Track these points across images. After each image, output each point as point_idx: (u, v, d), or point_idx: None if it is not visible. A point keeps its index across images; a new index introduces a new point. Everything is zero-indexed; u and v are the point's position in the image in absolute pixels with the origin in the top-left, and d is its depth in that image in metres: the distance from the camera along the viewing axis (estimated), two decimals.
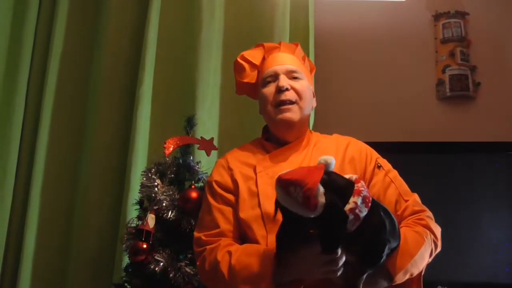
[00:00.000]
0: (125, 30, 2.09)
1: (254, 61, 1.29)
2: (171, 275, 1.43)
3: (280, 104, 1.21)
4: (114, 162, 1.99)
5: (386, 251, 0.97)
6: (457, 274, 1.80)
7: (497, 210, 1.87)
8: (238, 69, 1.32)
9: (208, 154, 1.67)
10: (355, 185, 0.95)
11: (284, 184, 0.91)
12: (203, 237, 1.16)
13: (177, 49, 2.08)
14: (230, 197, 1.19)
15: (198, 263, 1.15)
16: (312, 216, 0.89)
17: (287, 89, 1.21)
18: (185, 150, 1.65)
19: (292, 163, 1.19)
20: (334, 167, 0.96)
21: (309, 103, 1.26)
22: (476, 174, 1.91)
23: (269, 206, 1.11)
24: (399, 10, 2.23)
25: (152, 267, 1.44)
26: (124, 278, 1.58)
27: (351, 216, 0.91)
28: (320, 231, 0.92)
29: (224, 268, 1.06)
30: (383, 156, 1.27)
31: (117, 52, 2.07)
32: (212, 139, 1.68)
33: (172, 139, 1.61)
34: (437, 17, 2.24)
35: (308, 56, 2.04)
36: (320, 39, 2.18)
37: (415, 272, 1.05)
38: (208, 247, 1.13)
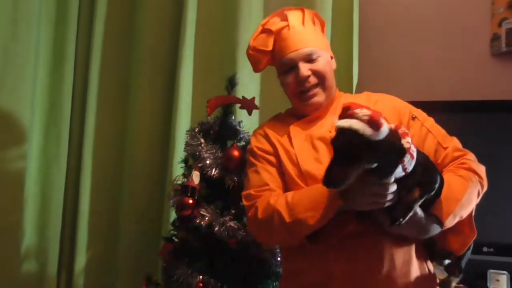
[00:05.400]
0: None
1: (266, 49, 1.27)
2: (215, 229, 1.48)
3: (304, 91, 1.22)
4: (159, 123, 2.05)
5: (439, 181, 0.99)
6: (503, 235, 1.74)
7: None
8: (253, 60, 1.32)
9: (249, 113, 1.67)
10: (398, 130, 0.97)
11: (351, 106, 0.94)
12: (252, 192, 1.19)
13: (217, 10, 2.07)
14: (272, 159, 1.22)
15: (249, 215, 1.17)
16: (374, 138, 0.90)
17: (308, 77, 1.21)
18: (227, 109, 1.66)
19: (323, 125, 1.22)
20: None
21: (331, 76, 1.25)
22: None
23: (306, 164, 1.16)
24: None
25: (198, 221, 1.50)
26: (171, 232, 1.67)
27: (407, 157, 0.93)
28: (378, 160, 0.93)
29: (281, 207, 1.09)
30: (434, 116, 1.23)
31: (158, 15, 2.10)
32: (253, 98, 1.68)
33: (214, 99, 1.63)
34: None
35: (352, 11, 1.99)
36: None
37: (464, 214, 1.07)
38: (258, 199, 1.16)
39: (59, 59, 2.15)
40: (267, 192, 1.16)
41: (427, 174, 0.99)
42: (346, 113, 0.94)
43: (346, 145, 0.92)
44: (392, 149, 0.92)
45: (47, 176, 2.11)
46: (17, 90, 2.01)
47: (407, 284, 1.08)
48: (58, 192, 2.11)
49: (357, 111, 0.92)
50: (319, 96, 1.22)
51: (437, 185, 1.00)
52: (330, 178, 0.93)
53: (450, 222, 1.05)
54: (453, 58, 2.07)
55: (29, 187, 2.05)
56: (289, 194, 1.12)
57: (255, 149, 1.26)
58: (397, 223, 0.99)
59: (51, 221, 2.09)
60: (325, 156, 1.15)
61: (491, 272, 1.69)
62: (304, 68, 1.20)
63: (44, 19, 2.11)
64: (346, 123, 0.92)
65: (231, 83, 1.68)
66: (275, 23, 1.26)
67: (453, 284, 1.12)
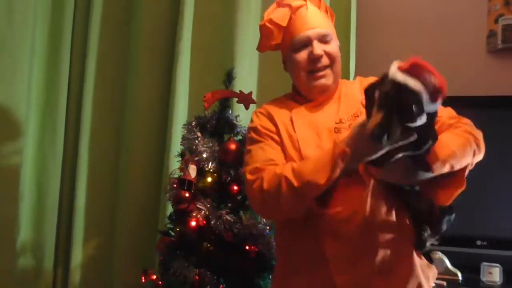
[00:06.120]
0: None
1: (281, 24, 1.26)
2: (212, 222, 1.49)
3: (314, 71, 1.21)
4: (156, 117, 2.05)
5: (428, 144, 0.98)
6: (496, 229, 1.76)
7: None
8: (266, 33, 1.29)
9: (246, 107, 1.68)
10: None
11: (422, 66, 0.90)
12: (258, 165, 1.15)
13: (215, 4, 2.07)
14: (277, 137, 1.21)
15: (254, 187, 1.12)
16: (427, 110, 0.89)
17: (321, 57, 1.20)
18: (224, 103, 1.67)
19: (327, 112, 1.21)
20: None
21: (340, 62, 1.25)
22: None
23: (308, 150, 1.14)
24: None
25: (194, 214, 1.51)
26: (168, 226, 1.67)
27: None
28: (427, 127, 0.92)
29: (288, 173, 1.07)
30: None
31: (156, 8, 2.09)
32: (250, 92, 1.69)
33: (212, 93, 1.63)
34: None
35: (350, 8, 2.00)
36: None
37: (456, 165, 1.04)
38: (264, 172, 1.13)
39: (55, 52, 2.14)
40: (273, 166, 1.14)
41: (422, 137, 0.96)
42: (413, 71, 0.90)
43: (402, 102, 0.88)
44: (432, 124, 0.92)
45: (43, 171, 2.10)
46: (12, 83, 1.99)
47: (403, 273, 1.08)
48: (54, 187, 2.11)
49: (426, 75, 0.89)
50: (328, 78, 1.21)
51: (427, 147, 0.98)
52: (382, 128, 0.88)
53: (439, 168, 1.02)
54: (449, 54, 2.08)
55: (24, 182, 2.04)
56: (294, 162, 1.11)
57: (259, 127, 1.22)
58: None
59: (47, 216, 2.09)
60: (328, 144, 1.13)
61: (484, 265, 1.71)
62: (319, 47, 1.20)
63: (40, 11, 2.10)
64: (412, 82, 0.88)
65: (229, 78, 1.68)
66: (293, 0, 1.26)
67: (428, 244, 1.09)
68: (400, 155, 0.98)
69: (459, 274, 1.69)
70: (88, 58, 2.11)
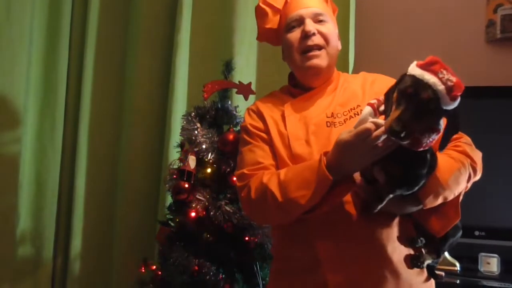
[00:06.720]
0: None
1: (276, 5, 1.25)
2: (211, 213, 1.49)
3: (307, 50, 1.17)
4: (155, 107, 2.06)
5: (421, 183, 0.98)
6: (495, 219, 1.77)
7: None
8: (260, 14, 1.27)
9: (246, 98, 1.68)
10: None
11: (439, 63, 0.89)
12: (246, 171, 1.15)
13: None
14: (266, 136, 1.20)
15: (242, 195, 1.13)
16: (445, 107, 0.88)
17: (313, 34, 1.16)
18: (223, 94, 1.67)
19: (320, 106, 1.19)
20: None
21: (336, 47, 1.23)
22: None
23: (297, 147, 1.13)
24: None
25: (193, 205, 1.51)
26: (168, 216, 1.68)
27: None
28: (448, 126, 0.92)
29: (274, 186, 1.06)
30: None
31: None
32: (250, 83, 1.68)
33: (211, 83, 1.63)
34: None
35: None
36: None
37: (449, 196, 1.03)
38: (251, 178, 1.13)
39: (53, 42, 2.13)
40: (260, 171, 1.13)
41: (414, 174, 0.97)
42: (430, 67, 0.89)
43: (419, 96, 0.87)
44: (454, 123, 0.91)
45: (42, 160, 2.10)
46: (11, 73, 1.99)
47: (397, 270, 1.07)
48: (53, 176, 2.11)
49: (444, 72, 0.88)
50: (322, 59, 1.17)
51: (416, 188, 0.99)
52: (401, 123, 0.86)
53: (431, 202, 1.01)
54: (448, 44, 2.07)
55: (24, 171, 2.04)
56: (282, 172, 1.08)
57: (249, 126, 1.22)
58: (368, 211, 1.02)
59: (47, 205, 2.10)
60: (316, 141, 1.13)
61: (482, 255, 1.73)
62: (311, 24, 1.17)
63: (38, 0, 2.08)
64: (430, 78, 0.87)
65: (228, 68, 1.68)
66: None
67: (426, 262, 1.09)
68: (391, 196, 0.99)
69: (457, 264, 1.70)
70: (87, 48, 2.11)
